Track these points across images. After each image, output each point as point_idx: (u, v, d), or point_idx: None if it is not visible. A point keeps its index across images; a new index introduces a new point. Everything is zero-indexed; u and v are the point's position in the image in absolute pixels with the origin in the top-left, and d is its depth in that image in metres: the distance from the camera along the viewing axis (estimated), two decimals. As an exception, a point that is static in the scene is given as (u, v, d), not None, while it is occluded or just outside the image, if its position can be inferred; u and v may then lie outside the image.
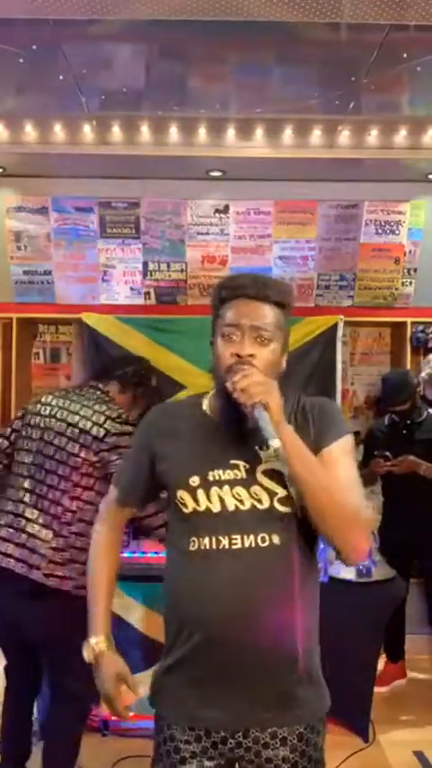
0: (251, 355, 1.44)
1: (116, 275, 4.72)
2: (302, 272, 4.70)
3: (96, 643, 1.57)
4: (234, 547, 1.41)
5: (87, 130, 3.93)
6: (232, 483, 1.45)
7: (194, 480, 1.46)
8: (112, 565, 1.65)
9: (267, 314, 1.47)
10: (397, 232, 4.60)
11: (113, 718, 3.10)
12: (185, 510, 1.46)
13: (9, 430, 2.64)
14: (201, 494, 1.45)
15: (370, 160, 4.13)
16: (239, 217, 4.61)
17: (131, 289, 4.75)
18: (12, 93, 3.62)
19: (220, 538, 1.42)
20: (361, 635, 3.19)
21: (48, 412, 2.54)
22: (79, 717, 2.55)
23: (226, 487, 1.44)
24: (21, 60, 3.15)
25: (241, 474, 1.45)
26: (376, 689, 3.34)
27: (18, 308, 4.77)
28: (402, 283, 4.73)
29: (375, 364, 5.06)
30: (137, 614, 2.95)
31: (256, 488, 1.44)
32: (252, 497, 1.44)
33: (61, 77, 3.31)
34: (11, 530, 2.40)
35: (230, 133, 3.92)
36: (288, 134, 3.92)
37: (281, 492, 1.44)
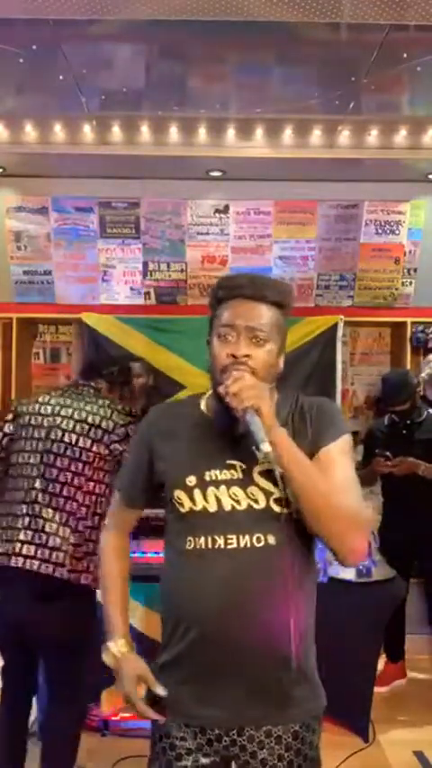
0: (247, 356, 1.43)
1: (116, 275, 4.72)
2: (302, 272, 4.70)
3: (117, 646, 1.55)
4: (229, 546, 1.42)
5: (87, 130, 3.93)
6: (229, 483, 1.45)
7: (191, 480, 1.46)
8: (124, 568, 1.64)
9: (264, 314, 1.46)
10: (397, 232, 4.60)
11: (113, 718, 3.13)
12: (182, 510, 1.46)
13: (0, 434, 2.63)
14: (197, 493, 1.45)
15: (370, 160, 4.14)
16: (239, 217, 4.61)
17: (131, 289, 4.75)
18: (12, 93, 3.62)
19: (216, 537, 1.42)
20: (361, 635, 3.19)
21: (50, 411, 2.55)
22: (78, 717, 2.55)
23: (222, 487, 1.45)
24: (21, 60, 3.15)
25: (238, 474, 1.45)
26: (376, 689, 3.34)
27: (18, 308, 4.78)
28: (402, 283, 4.73)
29: (375, 364, 5.06)
30: (137, 614, 2.95)
31: (252, 488, 1.44)
32: (248, 497, 1.44)
33: (61, 77, 3.31)
34: (29, 531, 2.40)
35: (230, 133, 3.92)
36: (288, 134, 3.92)
37: (277, 492, 1.43)
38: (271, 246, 4.66)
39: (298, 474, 1.38)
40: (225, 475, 1.45)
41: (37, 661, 2.55)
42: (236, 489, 1.44)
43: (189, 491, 1.45)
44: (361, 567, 3.27)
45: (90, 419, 2.50)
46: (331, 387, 4.62)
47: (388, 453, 3.73)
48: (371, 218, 4.57)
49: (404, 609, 3.75)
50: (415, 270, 4.72)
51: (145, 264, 4.70)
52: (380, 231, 4.60)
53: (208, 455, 1.48)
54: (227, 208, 4.60)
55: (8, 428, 2.60)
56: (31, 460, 2.49)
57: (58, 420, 2.51)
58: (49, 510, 2.41)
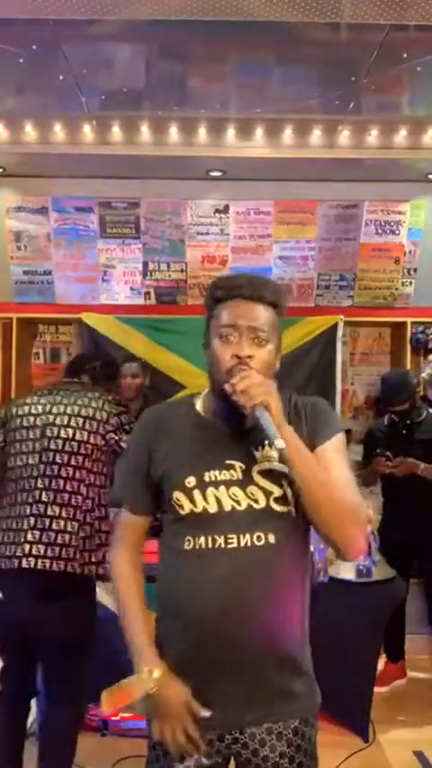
0: (250, 356, 1.44)
1: (116, 275, 4.72)
2: (302, 272, 4.70)
3: (155, 671, 1.42)
4: (230, 546, 1.42)
5: (87, 130, 3.93)
6: (228, 483, 1.45)
7: (190, 481, 1.46)
8: (140, 589, 1.55)
9: (263, 314, 1.47)
10: (397, 232, 4.60)
11: (113, 718, 3.12)
12: (182, 511, 1.45)
13: None
14: (197, 494, 1.45)
15: (370, 160, 4.14)
16: (239, 217, 4.61)
17: (131, 289, 4.75)
18: (12, 93, 3.62)
19: (216, 537, 1.42)
20: (361, 635, 3.18)
21: (41, 410, 2.55)
22: (77, 717, 2.55)
23: (222, 488, 1.45)
24: (21, 60, 3.15)
25: (237, 474, 1.45)
26: (376, 689, 3.34)
27: (18, 308, 4.78)
28: (402, 283, 4.73)
29: (375, 364, 5.06)
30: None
31: (252, 488, 1.45)
32: (248, 497, 1.44)
33: (61, 77, 3.32)
34: (36, 531, 2.40)
35: (230, 133, 3.93)
36: (288, 134, 3.93)
37: (277, 491, 1.44)
38: (271, 246, 4.66)
39: (305, 468, 1.39)
40: (224, 475, 1.45)
41: (37, 662, 2.55)
42: (235, 489, 1.44)
43: (188, 492, 1.45)
44: (361, 567, 3.27)
45: (83, 412, 2.52)
46: (331, 387, 4.63)
47: (388, 453, 3.73)
48: (371, 218, 4.58)
49: (404, 609, 3.74)
50: (415, 270, 4.72)
51: (145, 264, 4.71)
52: (380, 231, 4.61)
53: (206, 456, 1.48)
54: (227, 208, 4.60)
55: None
56: (30, 461, 2.49)
57: (52, 417, 2.52)
58: (55, 507, 2.42)
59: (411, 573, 3.88)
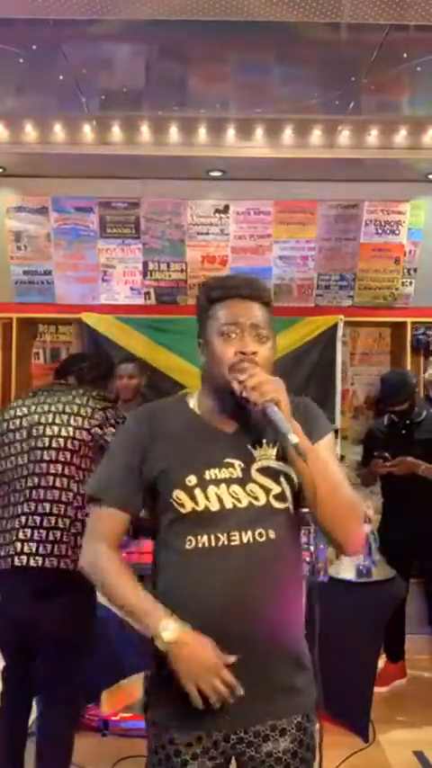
0: (254, 353, 1.46)
1: (116, 275, 4.72)
2: (302, 272, 4.70)
3: (170, 623, 1.38)
4: (233, 543, 1.43)
5: (87, 130, 3.93)
6: (228, 482, 1.46)
7: (191, 480, 1.46)
8: (127, 566, 1.53)
9: (261, 313, 1.50)
10: (397, 232, 4.60)
11: (113, 718, 3.12)
12: (183, 510, 1.45)
13: None
14: (198, 493, 1.45)
15: (370, 160, 4.14)
16: (239, 217, 4.61)
17: (131, 289, 4.75)
18: (12, 93, 3.62)
19: (219, 535, 1.43)
20: (361, 635, 3.19)
21: (26, 411, 2.58)
22: (73, 717, 2.55)
23: (223, 486, 1.45)
24: (21, 60, 3.15)
25: (236, 472, 1.46)
26: (376, 689, 3.34)
27: (18, 308, 4.78)
28: (402, 283, 4.73)
29: (375, 364, 5.06)
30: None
31: (251, 486, 1.46)
32: (248, 495, 1.45)
33: (61, 77, 3.31)
34: (27, 530, 2.42)
35: (230, 133, 3.92)
36: (288, 134, 3.93)
37: (276, 489, 1.46)
38: (271, 246, 4.66)
39: (315, 464, 1.40)
40: (224, 473, 1.46)
41: (36, 661, 2.55)
42: (236, 487, 1.45)
43: (189, 491, 1.45)
44: (361, 567, 3.27)
45: (68, 408, 2.53)
46: (331, 387, 4.63)
47: (386, 454, 3.73)
48: (371, 218, 4.57)
49: (404, 609, 3.75)
50: (415, 270, 4.72)
51: (145, 264, 4.71)
52: (380, 231, 4.61)
53: (205, 454, 1.48)
54: (227, 208, 4.60)
55: None
56: (20, 461, 2.51)
57: (37, 417, 2.54)
58: (45, 504, 2.43)
59: (411, 573, 3.88)
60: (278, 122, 3.83)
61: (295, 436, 1.35)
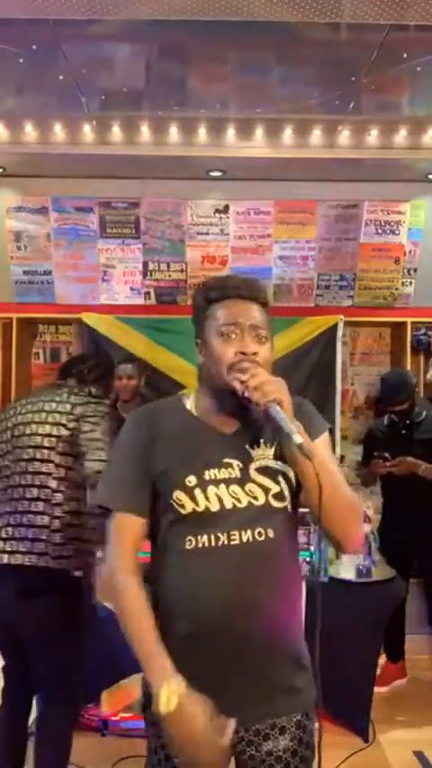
0: (255, 353, 1.46)
1: (116, 275, 4.72)
2: (302, 272, 4.70)
3: (173, 686, 1.33)
4: (232, 543, 1.43)
5: (87, 130, 3.93)
6: (228, 482, 1.46)
7: (191, 480, 1.46)
8: (146, 600, 1.47)
9: (259, 314, 1.51)
10: (397, 232, 4.60)
11: (113, 718, 3.12)
12: (183, 511, 1.45)
13: None
14: (198, 493, 1.45)
15: (370, 160, 4.14)
16: (239, 217, 4.61)
17: (131, 289, 4.75)
18: (12, 93, 3.62)
19: (219, 535, 1.43)
20: (361, 635, 3.19)
21: (12, 413, 2.62)
22: (69, 716, 2.54)
23: (222, 486, 1.46)
24: (21, 60, 3.15)
25: (235, 473, 1.47)
26: (376, 689, 3.34)
27: (18, 308, 4.78)
28: (402, 283, 4.73)
29: (375, 364, 5.06)
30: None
31: (250, 486, 1.47)
32: (248, 495, 1.46)
33: (61, 77, 3.31)
34: (9, 528, 2.43)
35: (230, 133, 3.92)
36: (288, 134, 3.92)
37: (274, 488, 1.47)
38: (271, 246, 4.66)
39: (316, 463, 1.40)
40: (223, 474, 1.47)
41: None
42: (235, 487, 1.46)
43: (189, 491, 1.45)
44: (361, 567, 3.27)
45: (47, 407, 2.55)
46: (331, 387, 4.63)
47: (386, 454, 3.73)
48: (371, 218, 4.57)
49: (404, 609, 3.75)
50: (415, 270, 4.72)
51: (145, 264, 4.70)
52: (380, 231, 4.60)
53: (204, 455, 1.48)
54: (227, 208, 4.60)
55: None
56: (6, 462, 2.54)
57: (20, 417, 2.57)
58: (25, 502, 2.44)
59: (411, 573, 3.88)
60: (278, 122, 3.82)
61: (299, 436, 1.35)
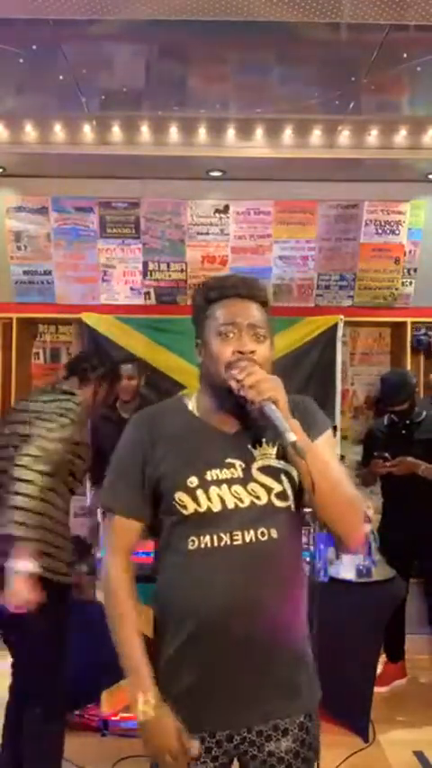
0: (252, 351, 1.46)
1: (116, 275, 4.72)
2: (302, 272, 4.70)
3: (150, 699, 1.41)
4: (235, 542, 1.43)
5: (87, 130, 3.93)
6: (230, 482, 1.46)
7: (192, 481, 1.46)
8: (134, 600, 1.53)
9: (259, 312, 1.51)
10: (397, 232, 4.60)
11: (113, 718, 3.12)
12: (185, 512, 1.45)
13: None
14: (200, 494, 1.45)
15: (370, 160, 4.14)
16: (239, 217, 4.61)
17: (131, 289, 4.75)
18: (12, 93, 3.62)
19: (222, 535, 1.43)
20: (361, 635, 3.19)
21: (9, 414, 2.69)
22: (46, 713, 2.50)
23: (224, 486, 1.45)
24: (21, 60, 3.15)
25: (237, 473, 1.46)
26: (376, 689, 3.34)
27: (18, 308, 4.78)
28: (402, 283, 4.73)
29: (375, 364, 5.06)
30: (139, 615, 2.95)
31: (253, 485, 1.46)
32: (250, 494, 1.46)
33: (61, 77, 3.31)
34: None
35: (230, 133, 3.92)
36: (288, 134, 3.93)
37: (277, 487, 1.47)
38: (271, 246, 4.66)
39: (315, 461, 1.40)
40: (225, 474, 1.46)
41: None
42: (237, 487, 1.46)
43: (191, 492, 1.45)
44: (361, 567, 3.27)
45: (31, 407, 2.58)
46: (331, 387, 4.63)
47: (386, 454, 3.73)
48: (371, 218, 4.57)
49: (404, 609, 3.75)
50: (415, 270, 4.72)
51: (145, 264, 4.70)
52: (380, 231, 4.60)
53: (206, 455, 1.48)
54: (227, 208, 4.60)
55: None
56: None
57: (10, 416, 2.63)
58: (2, 508, 2.42)
59: (411, 573, 3.88)
60: (278, 122, 3.83)
61: (293, 434, 1.35)
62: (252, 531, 1.43)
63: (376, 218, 4.58)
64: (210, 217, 4.61)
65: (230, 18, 2.78)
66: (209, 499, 1.45)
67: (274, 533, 1.44)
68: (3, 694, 2.66)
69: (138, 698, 1.41)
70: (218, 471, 1.46)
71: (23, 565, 2.24)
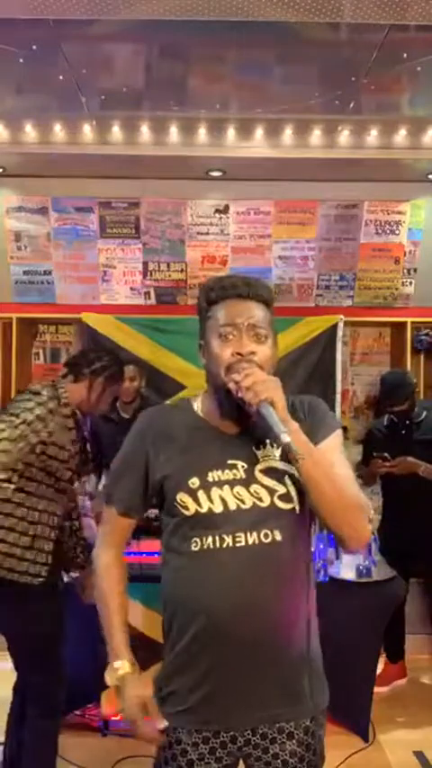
0: (252, 352, 1.45)
1: (116, 275, 4.72)
2: (302, 272, 4.70)
3: (120, 667, 1.47)
4: (238, 544, 1.42)
5: (87, 130, 3.93)
6: (232, 483, 1.45)
7: (194, 482, 1.46)
8: (122, 585, 1.58)
9: (260, 312, 1.49)
10: (397, 232, 4.60)
11: (113, 718, 3.12)
12: (186, 513, 1.45)
13: None
14: (202, 495, 1.45)
15: (370, 160, 4.13)
16: (239, 217, 4.61)
17: (131, 289, 4.75)
18: (12, 93, 3.62)
19: (224, 537, 1.42)
20: (361, 635, 3.18)
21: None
22: (47, 714, 2.53)
23: (226, 487, 1.45)
24: (21, 60, 3.15)
25: (240, 474, 1.46)
26: (376, 689, 3.34)
27: (18, 308, 4.78)
28: (402, 283, 4.73)
29: (375, 364, 5.06)
30: (137, 614, 2.95)
31: (255, 487, 1.45)
32: (253, 496, 1.45)
33: (61, 77, 3.31)
34: None
35: (230, 133, 3.92)
36: (288, 134, 3.92)
37: (280, 489, 1.45)
38: (271, 246, 4.66)
39: (312, 463, 1.39)
40: (227, 475, 1.46)
41: None
42: (239, 489, 1.45)
43: (193, 493, 1.45)
44: (361, 568, 3.27)
45: (8, 408, 2.57)
46: (331, 387, 4.63)
47: (386, 454, 3.73)
48: (371, 218, 4.58)
49: (404, 609, 3.75)
50: (415, 270, 4.72)
51: (145, 264, 4.71)
52: (380, 231, 4.61)
53: (209, 456, 1.48)
54: (227, 208, 4.60)
55: None
56: None
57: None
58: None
59: (411, 573, 3.88)
60: (278, 122, 3.82)
61: (287, 435, 1.34)
62: (255, 534, 1.42)
63: (376, 218, 4.58)
64: (210, 217, 4.61)
65: (230, 18, 2.78)
66: (210, 500, 1.44)
67: (278, 535, 1.43)
68: (6, 694, 2.67)
69: (114, 665, 1.47)
70: (219, 472, 1.46)
71: None
